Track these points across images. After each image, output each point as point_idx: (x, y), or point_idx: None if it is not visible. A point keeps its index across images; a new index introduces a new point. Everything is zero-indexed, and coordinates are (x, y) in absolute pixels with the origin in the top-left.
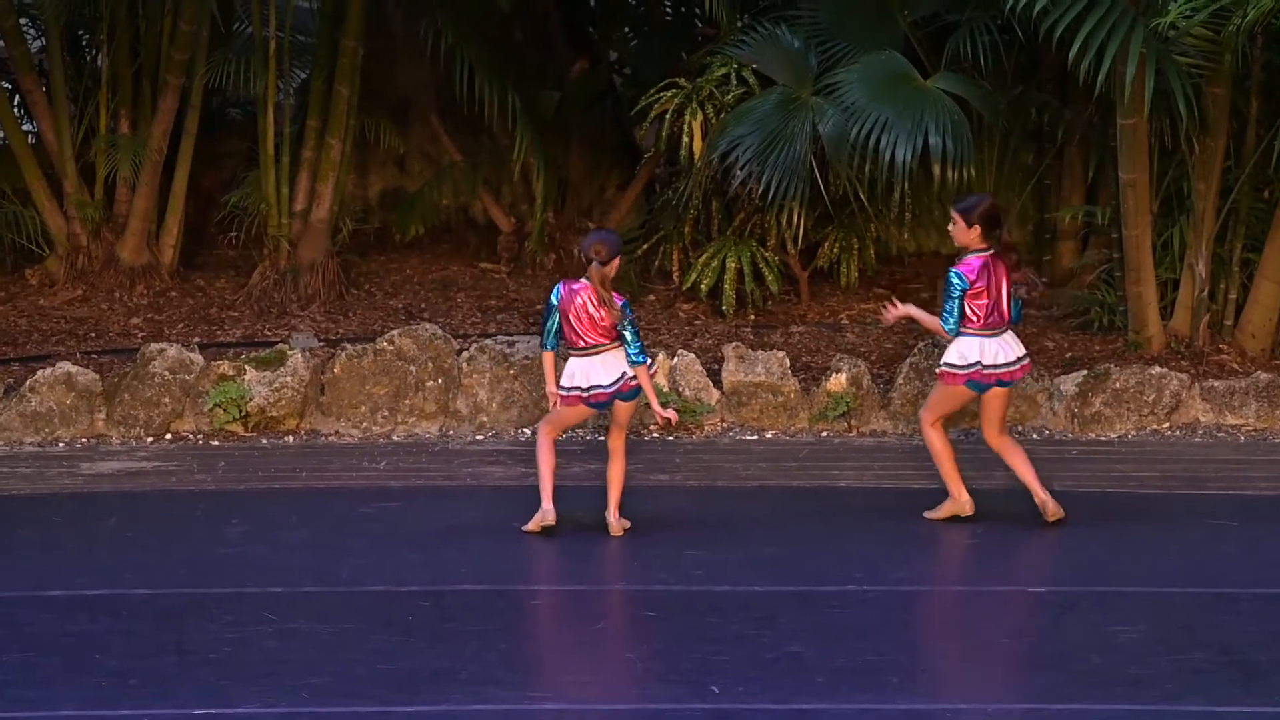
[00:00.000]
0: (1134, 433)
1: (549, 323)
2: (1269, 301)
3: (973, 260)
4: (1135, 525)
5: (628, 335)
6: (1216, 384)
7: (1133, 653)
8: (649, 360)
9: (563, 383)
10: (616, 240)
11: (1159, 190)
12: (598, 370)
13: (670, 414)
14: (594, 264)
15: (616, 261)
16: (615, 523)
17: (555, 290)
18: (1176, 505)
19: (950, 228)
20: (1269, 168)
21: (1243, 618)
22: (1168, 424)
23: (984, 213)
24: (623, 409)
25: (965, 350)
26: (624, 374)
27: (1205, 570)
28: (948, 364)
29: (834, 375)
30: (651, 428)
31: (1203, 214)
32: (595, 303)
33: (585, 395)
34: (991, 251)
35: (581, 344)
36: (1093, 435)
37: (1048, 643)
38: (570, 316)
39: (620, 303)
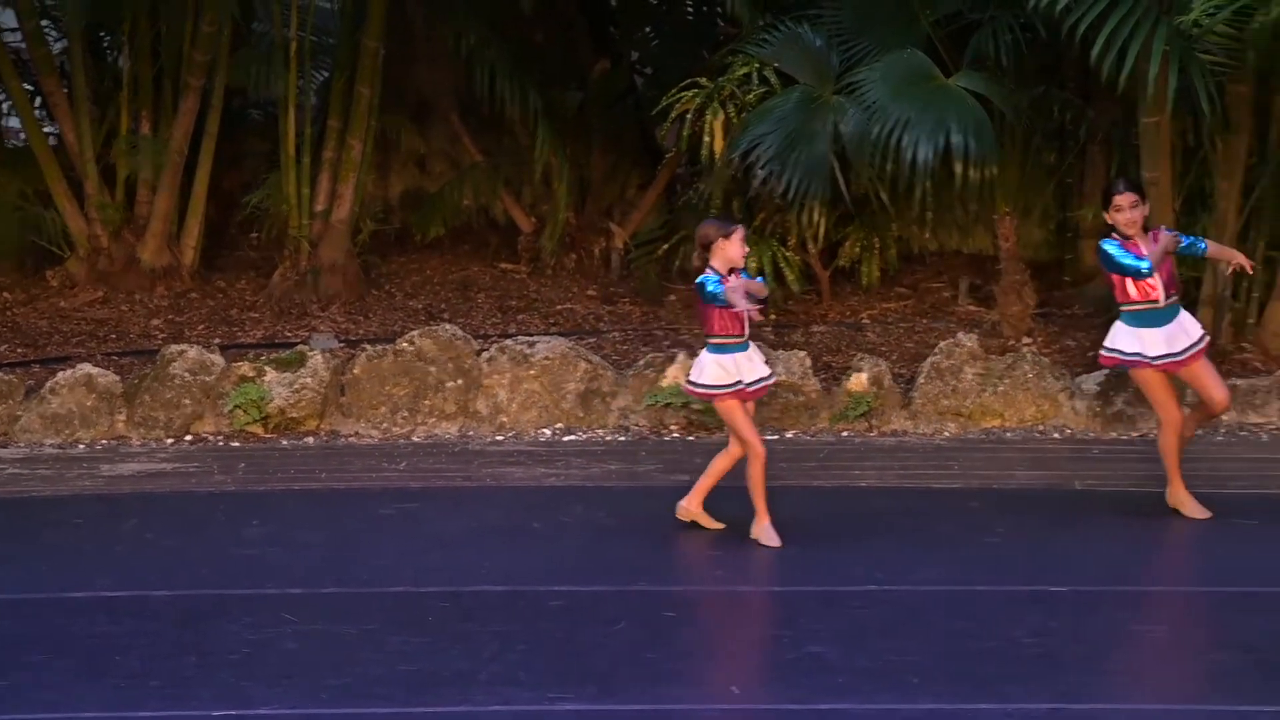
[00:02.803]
0: (1156, 431)
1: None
2: None
3: None
4: (1157, 524)
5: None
6: (1239, 382)
7: (1155, 652)
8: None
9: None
10: (708, 225)
11: (1182, 189)
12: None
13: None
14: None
15: (715, 244)
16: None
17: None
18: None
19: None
20: None
21: (1265, 616)
22: None
23: None
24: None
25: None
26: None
27: (1228, 569)
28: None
29: (855, 375)
30: (672, 426)
31: (1225, 212)
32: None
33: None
34: None
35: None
36: (1115, 434)
37: (1071, 642)
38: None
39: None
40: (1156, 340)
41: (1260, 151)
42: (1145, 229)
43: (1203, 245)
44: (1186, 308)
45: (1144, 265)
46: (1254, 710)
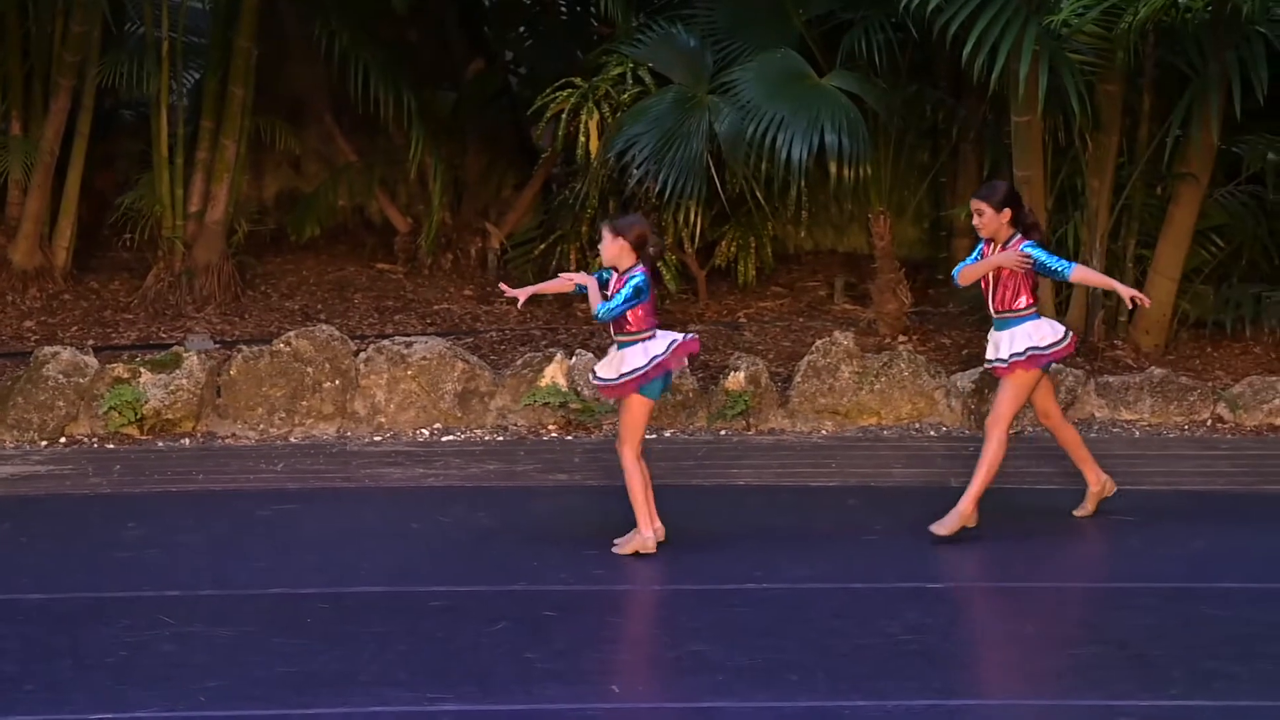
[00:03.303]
0: (1030, 429)
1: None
2: (1162, 297)
3: None
4: (1032, 521)
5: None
6: (1111, 380)
7: (1030, 648)
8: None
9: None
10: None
11: (1053, 187)
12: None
13: (577, 277)
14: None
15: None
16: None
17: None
18: (1073, 501)
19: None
20: (1161, 164)
21: (1139, 612)
22: None
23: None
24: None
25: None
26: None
27: (1102, 565)
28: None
29: (732, 374)
30: (550, 426)
31: (1096, 210)
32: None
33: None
34: None
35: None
36: None
37: (946, 639)
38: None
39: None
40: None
41: (1130, 150)
42: (1014, 235)
43: (1066, 270)
44: (1060, 304)
45: (954, 272)
46: (1126, 705)
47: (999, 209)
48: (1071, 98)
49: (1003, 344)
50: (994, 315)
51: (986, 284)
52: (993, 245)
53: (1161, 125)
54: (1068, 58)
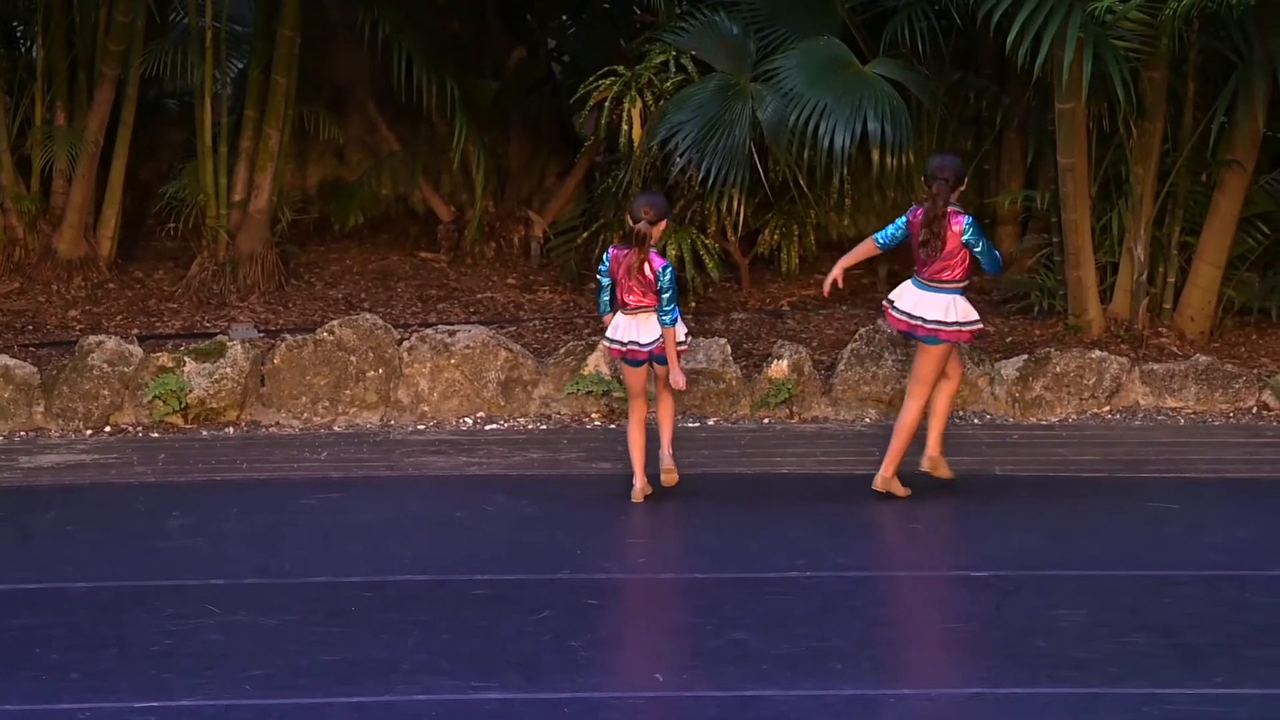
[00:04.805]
0: (1074, 416)
1: (601, 293)
2: (1207, 284)
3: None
4: (1076, 508)
5: (662, 298)
6: (1156, 367)
7: (1075, 636)
8: (677, 322)
9: (608, 333)
10: (662, 202)
11: (1097, 174)
12: (637, 328)
13: (681, 381)
14: (641, 223)
15: (662, 224)
16: (667, 461)
17: (605, 257)
18: (1117, 488)
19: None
20: (1206, 151)
21: (1184, 600)
22: (1108, 407)
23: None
24: (662, 372)
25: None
26: (659, 337)
27: (1147, 553)
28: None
29: (775, 362)
30: (593, 415)
31: (1141, 198)
32: (635, 265)
33: (624, 350)
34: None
35: (628, 303)
36: (1033, 419)
37: (990, 627)
38: (619, 277)
39: (660, 265)
40: None
41: (1174, 137)
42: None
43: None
44: (1104, 291)
45: None
46: (1172, 693)
47: None
48: (1116, 85)
49: None
50: None
51: None
52: None
53: (1206, 112)
54: (1112, 44)
